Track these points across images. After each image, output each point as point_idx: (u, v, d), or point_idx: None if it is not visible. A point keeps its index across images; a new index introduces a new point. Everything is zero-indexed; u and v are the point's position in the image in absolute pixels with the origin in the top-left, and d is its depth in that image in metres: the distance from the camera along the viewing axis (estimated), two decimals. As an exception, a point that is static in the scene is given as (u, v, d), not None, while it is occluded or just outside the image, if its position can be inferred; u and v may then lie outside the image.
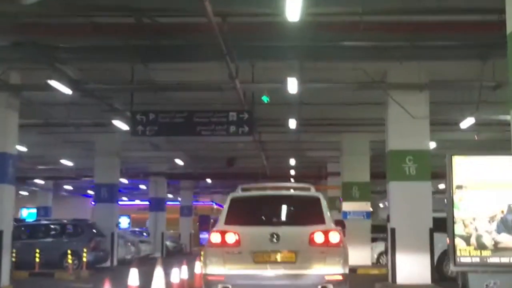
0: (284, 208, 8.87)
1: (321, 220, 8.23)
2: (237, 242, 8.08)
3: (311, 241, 8.04)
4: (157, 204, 30.80)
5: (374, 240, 21.69)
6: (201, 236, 46.23)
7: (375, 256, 22.17)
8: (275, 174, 28.88)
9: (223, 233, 8.11)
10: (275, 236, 7.99)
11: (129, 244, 24.69)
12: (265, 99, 12.81)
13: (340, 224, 8.79)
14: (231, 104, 14.05)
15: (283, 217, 8.88)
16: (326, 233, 8.04)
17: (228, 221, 8.27)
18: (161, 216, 30.87)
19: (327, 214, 8.39)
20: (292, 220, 8.71)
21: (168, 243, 33.03)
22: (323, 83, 12.81)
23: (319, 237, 8.04)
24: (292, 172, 30.52)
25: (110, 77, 12.93)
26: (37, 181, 33.67)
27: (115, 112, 14.90)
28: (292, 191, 9.57)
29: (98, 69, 12.53)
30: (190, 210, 39.10)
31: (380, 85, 12.62)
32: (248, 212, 8.52)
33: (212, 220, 21.98)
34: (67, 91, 12.04)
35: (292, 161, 27.73)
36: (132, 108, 14.03)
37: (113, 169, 22.10)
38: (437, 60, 11.41)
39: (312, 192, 9.09)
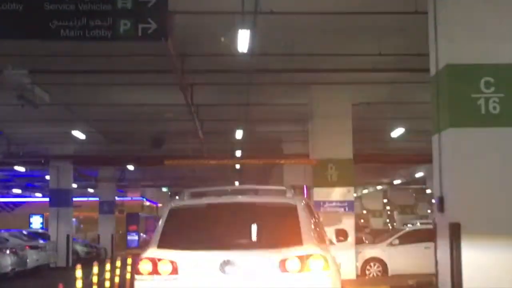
0: (243, 222, 6.10)
1: (297, 239, 5.76)
2: (174, 274, 5.76)
3: (282, 271, 5.64)
4: (60, 198, 23.33)
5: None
6: (129, 237, 39.04)
7: (358, 265, 15.56)
8: (215, 156, 22.00)
9: (154, 261, 5.80)
10: (228, 265, 5.64)
11: (8, 252, 17.32)
12: None
13: (341, 234, 6.73)
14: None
15: (242, 236, 6.06)
16: (304, 259, 5.62)
17: (163, 243, 5.95)
18: (66, 213, 23.41)
19: (307, 229, 5.86)
20: (255, 240, 6.00)
21: (78, 247, 25.59)
22: None
23: (293, 265, 5.63)
24: (238, 153, 23.51)
25: None
26: None
27: None
28: (258, 197, 6.86)
29: None
30: (112, 206, 31.52)
31: None
32: (190, 230, 6.12)
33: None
34: None
35: (238, 137, 20.61)
36: None
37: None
38: None
39: (287, 197, 6.41)
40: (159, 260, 5.84)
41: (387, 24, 11.02)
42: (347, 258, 14.51)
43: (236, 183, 37.22)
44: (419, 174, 30.46)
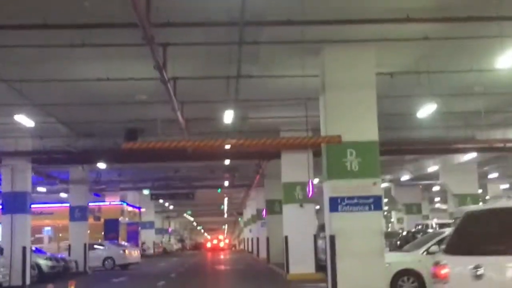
0: None
1: None
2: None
3: None
4: (14, 203, 19.48)
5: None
6: (108, 247, 35.03)
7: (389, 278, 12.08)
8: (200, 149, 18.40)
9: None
10: None
11: None
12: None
13: None
14: None
15: None
16: None
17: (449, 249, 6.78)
18: (22, 221, 19.55)
19: None
20: None
21: (41, 261, 21.80)
22: None
23: None
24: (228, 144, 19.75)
25: None
26: None
27: None
28: None
29: None
30: (85, 211, 27.57)
31: None
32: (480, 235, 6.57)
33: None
34: None
35: (227, 122, 16.82)
36: None
37: None
38: None
39: None
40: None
41: None
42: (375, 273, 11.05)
43: (226, 182, 33.64)
44: (432, 168, 27.01)
